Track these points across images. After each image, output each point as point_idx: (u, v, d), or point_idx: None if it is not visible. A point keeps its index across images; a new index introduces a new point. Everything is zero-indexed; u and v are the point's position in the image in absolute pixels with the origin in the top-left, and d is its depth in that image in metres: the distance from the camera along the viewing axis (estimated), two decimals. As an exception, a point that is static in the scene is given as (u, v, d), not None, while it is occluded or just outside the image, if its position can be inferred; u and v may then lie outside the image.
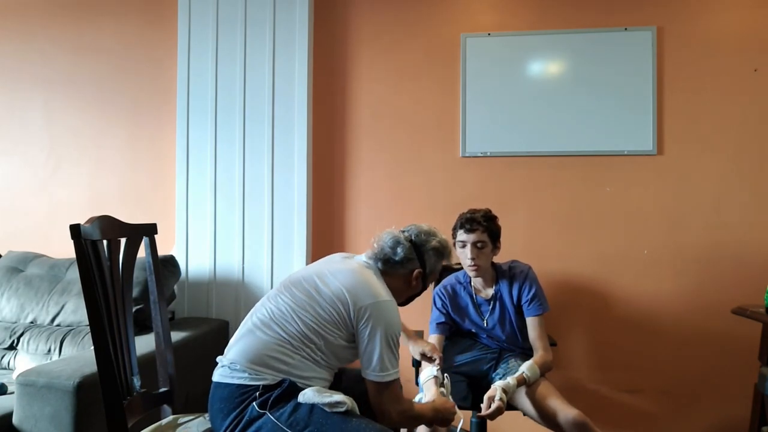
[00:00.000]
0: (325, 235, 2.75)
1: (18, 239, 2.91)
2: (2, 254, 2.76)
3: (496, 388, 1.78)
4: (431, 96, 2.69)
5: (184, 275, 2.65)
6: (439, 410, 1.59)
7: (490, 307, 2.09)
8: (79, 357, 1.90)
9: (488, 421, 1.81)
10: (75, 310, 2.39)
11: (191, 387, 2.11)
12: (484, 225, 2.01)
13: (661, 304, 2.54)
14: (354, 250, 2.67)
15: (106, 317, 1.39)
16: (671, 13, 2.55)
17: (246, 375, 1.41)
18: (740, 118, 2.51)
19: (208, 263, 2.65)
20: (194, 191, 2.66)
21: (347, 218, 2.75)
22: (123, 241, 1.56)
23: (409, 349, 1.93)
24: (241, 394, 1.40)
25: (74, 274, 2.51)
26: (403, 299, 1.67)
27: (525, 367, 1.89)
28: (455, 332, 2.18)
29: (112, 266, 1.46)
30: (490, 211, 2.07)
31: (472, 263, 2.00)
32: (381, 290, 1.51)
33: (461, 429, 1.65)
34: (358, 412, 1.41)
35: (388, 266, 1.61)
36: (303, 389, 1.39)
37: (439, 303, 2.15)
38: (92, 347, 1.48)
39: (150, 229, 1.71)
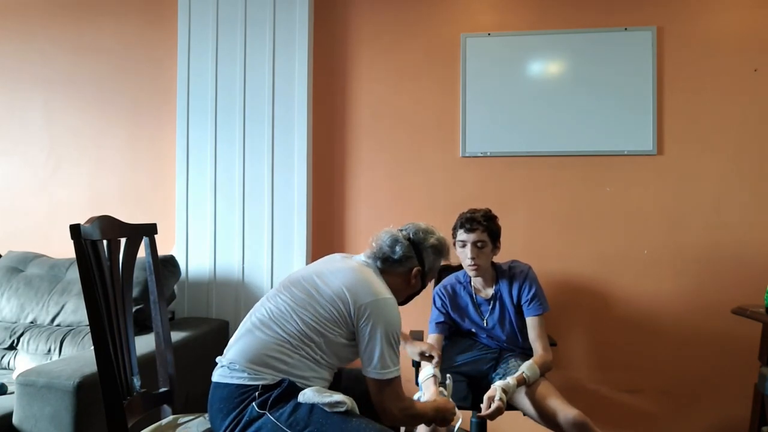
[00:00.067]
0: (325, 235, 2.75)
1: (18, 239, 2.91)
2: (2, 254, 2.76)
3: (496, 389, 1.78)
4: (431, 96, 2.69)
5: (184, 275, 2.65)
6: (441, 410, 1.59)
7: (490, 306, 2.09)
8: (79, 357, 1.90)
9: (488, 421, 1.81)
10: (75, 310, 2.39)
11: (191, 387, 2.11)
12: (484, 224, 2.01)
13: (661, 304, 2.54)
14: (354, 250, 2.67)
15: (106, 317, 1.39)
16: (671, 13, 2.55)
17: (245, 375, 1.41)
18: (740, 118, 2.51)
19: (208, 263, 2.65)
20: (194, 191, 2.66)
21: (347, 218, 2.75)
22: (123, 241, 1.56)
23: (407, 352, 1.93)
24: (240, 394, 1.39)
25: (74, 274, 2.51)
26: (403, 298, 1.67)
27: (525, 367, 1.89)
28: (455, 332, 2.18)
29: (112, 266, 1.46)
30: (490, 211, 2.07)
31: (472, 263, 2.00)
32: (381, 288, 1.51)
33: (459, 428, 1.65)
34: (357, 412, 1.40)
35: (387, 265, 1.61)
36: (302, 389, 1.39)
37: (438, 303, 2.15)
38: (92, 347, 1.48)
39: (150, 229, 1.71)
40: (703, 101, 2.53)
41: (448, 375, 1.80)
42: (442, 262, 1.72)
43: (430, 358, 1.88)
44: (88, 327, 1.57)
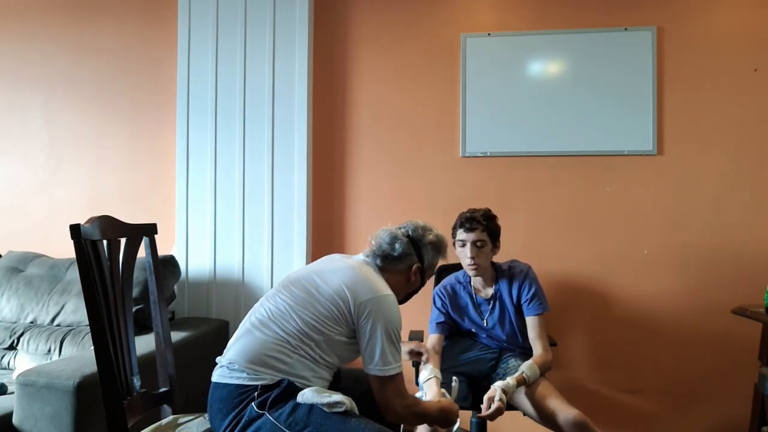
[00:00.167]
0: (325, 235, 2.75)
1: (18, 239, 2.91)
2: (2, 254, 2.76)
3: (496, 389, 1.78)
4: (431, 96, 2.69)
5: (184, 275, 2.65)
6: (446, 410, 1.58)
7: (490, 306, 2.09)
8: (79, 357, 1.90)
9: (488, 422, 1.81)
10: (75, 310, 2.39)
11: (191, 387, 2.11)
12: (483, 224, 2.01)
13: (661, 304, 2.54)
14: (354, 250, 2.67)
15: (106, 317, 1.39)
16: (671, 13, 2.55)
17: (244, 375, 1.41)
18: (740, 118, 2.51)
19: (208, 263, 2.65)
20: (194, 191, 2.66)
21: (347, 218, 2.75)
22: (123, 241, 1.56)
23: None
24: (239, 394, 1.39)
25: (74, 274, 2.51)
26: (403, 295, 1.67)
27: (525, 367, 1.89)
28: (455, 332, 2.18)
29: (112, 266, 1.46)
30: (489, 211, 2.07)
31: (472, 262, 2.00)
32: (381, 285, 1.51)
33: (459, 429, 1.65)
34: (357, 412, 1.40)
35: (386, 262, 1.61)
36: (302, 389, 1.39)
37: (438, 302, 2.15)
38: (92, 347, 1.48)
39: (150, 229, 1.71)
40: (703, 101, 2.53)
41: (454, 377, 1.80)
42: (441, 260, 1.72)
43: (418, 355, 1.88)
44: (88, 327, 1.57)
